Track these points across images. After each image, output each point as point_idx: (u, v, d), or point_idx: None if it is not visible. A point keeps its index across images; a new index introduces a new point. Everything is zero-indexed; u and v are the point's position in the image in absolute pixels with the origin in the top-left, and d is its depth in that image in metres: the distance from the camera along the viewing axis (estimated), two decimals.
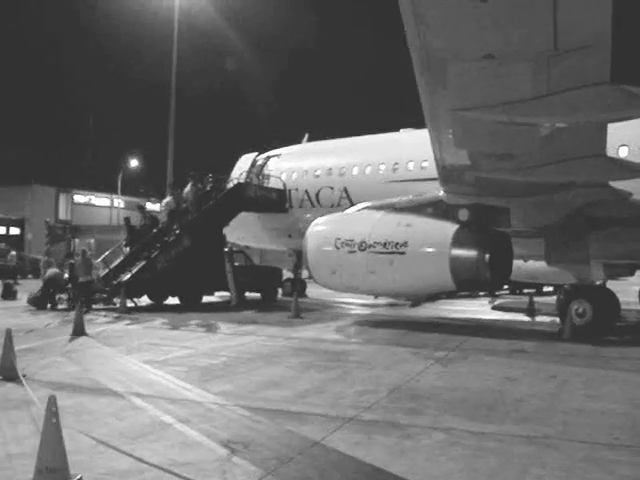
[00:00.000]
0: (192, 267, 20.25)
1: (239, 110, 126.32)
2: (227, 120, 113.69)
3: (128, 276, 20.04)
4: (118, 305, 19.28)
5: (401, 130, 22.74)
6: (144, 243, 21.71)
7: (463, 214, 14.37)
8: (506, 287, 26.69)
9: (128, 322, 16.62)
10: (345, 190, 21.81)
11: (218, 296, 23.14)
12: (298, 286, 24.72)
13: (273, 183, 24.19)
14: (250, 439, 6.28)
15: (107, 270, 21.05)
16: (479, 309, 21.26)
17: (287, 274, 26.39)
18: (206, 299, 22.48)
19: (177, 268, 20.20)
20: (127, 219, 23.77)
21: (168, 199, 23.26)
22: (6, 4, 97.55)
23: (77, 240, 52.68)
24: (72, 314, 15.42)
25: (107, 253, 23.51)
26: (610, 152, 12.14)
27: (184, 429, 6.62)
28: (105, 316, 17.96)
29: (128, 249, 22.11)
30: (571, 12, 7.46)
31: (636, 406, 7.84)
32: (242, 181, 24.08)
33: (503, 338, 13.93)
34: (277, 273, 25.12)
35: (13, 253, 25.59)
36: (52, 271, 20.92)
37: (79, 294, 18.99)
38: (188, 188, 22.58)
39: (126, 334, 14.24)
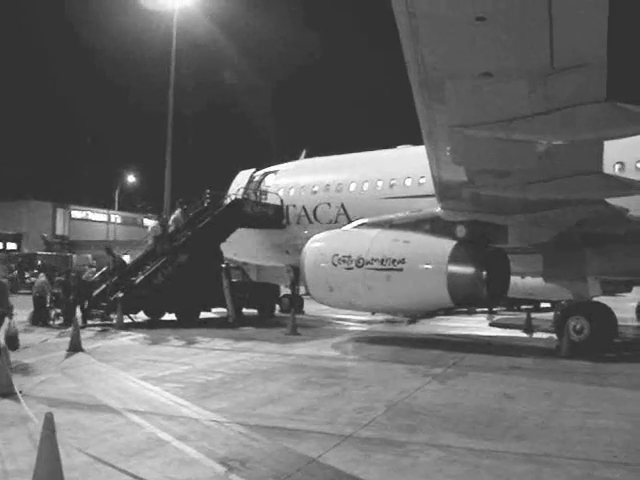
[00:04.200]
0: (189, 283, 20.21)
1: (237, 126, 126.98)
2: (225, 136, 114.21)
3: (124, 292, 19.96)
4: (115, 321, 19.23)
5: (398, 147, 22.83)
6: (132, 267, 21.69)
7: (460, 231, 14.39)
8: (503, 303, 26.65)
9: (125, 338, 16.55)
10: (342, 206, 21.82)
11: (215, 312, 23.06)
12: (295, 302, 24.69)
13: (270, 199, 24.22)
14: (247, 456, 6.26)
15: (105, 286, 20.99)
16: (477, 325, 21.21)
17: (284, 290, 26.34)
18: (203, 315, 22.40)
19: (174, 284, 20.16)
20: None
21: (154, 224, 23.31)
22: (6, 23, 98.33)
23: (75, 255, 52.73)
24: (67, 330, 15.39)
25: (104, 269, 23.44)
26: (607, 169, 12.20)
27: (181, 446, 6.59)
28: (102, 332, 17.89)
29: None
30: (567, 31, 7.52)
31: (634, 423, 7.83)
32: (239, 197, 24.13)
33: (501, 355, 13.90)
34: (274, 289, 25.04)
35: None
36: (40, 281, 21.00)
37: None
38: (177, 213, 22.73)
39: (123, 350, 14.19)
